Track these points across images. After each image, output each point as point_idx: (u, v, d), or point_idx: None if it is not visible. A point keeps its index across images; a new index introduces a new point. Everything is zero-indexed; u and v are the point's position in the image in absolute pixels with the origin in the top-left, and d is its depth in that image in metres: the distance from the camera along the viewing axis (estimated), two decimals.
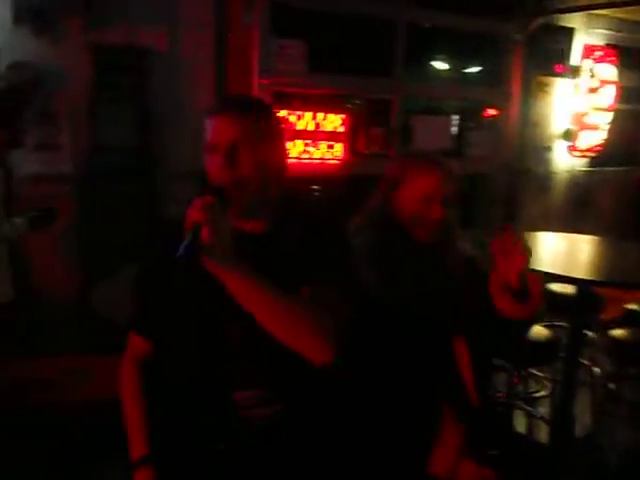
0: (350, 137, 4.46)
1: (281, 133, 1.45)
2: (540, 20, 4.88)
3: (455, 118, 5.18)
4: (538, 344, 2.82)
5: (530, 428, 3.09)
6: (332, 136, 4.38)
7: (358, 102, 4.62)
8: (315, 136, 4.31)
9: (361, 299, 1.42)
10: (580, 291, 3.17)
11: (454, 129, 5.13)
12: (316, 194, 4.75)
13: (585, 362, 3.42)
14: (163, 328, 1.43)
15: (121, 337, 1.57)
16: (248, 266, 1.24)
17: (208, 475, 1.40)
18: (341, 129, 4.39)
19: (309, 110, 4.28)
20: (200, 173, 3.98)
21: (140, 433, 1.43)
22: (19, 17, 3.41)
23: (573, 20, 5.21)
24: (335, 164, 4.43)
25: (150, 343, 1.49)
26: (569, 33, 5.20)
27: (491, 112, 5.33)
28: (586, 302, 3.20)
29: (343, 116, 4.40)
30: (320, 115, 4.31)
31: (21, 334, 2.94)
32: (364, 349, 1.56)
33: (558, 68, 5.16)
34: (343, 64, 4.35)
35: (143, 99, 3.82)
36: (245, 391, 1.35)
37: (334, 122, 4.37)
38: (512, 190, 5.17)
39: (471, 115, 5.40)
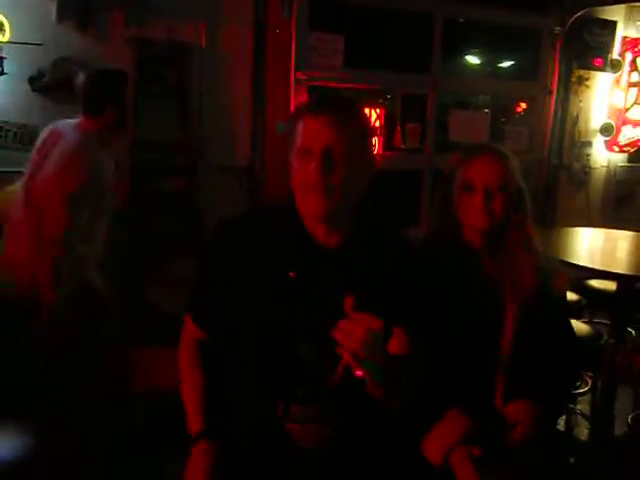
0: (386, 132, 4.45)
1: (372, 137, 1.40)
2: (580, 13, 4.81)
3: (491, 113, 5.14)
4: (579, 341, 2.78)
5: (569, 425, 3.05)
6: None
7: (394, 97, 4.61)
8: None
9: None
10: (621, 287, 3.12)
11: (490, 124, 5.09)
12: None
13: None
14: (226, 326, 1.41)
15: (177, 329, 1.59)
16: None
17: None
18: (377, 124, 4.39)
19: None
20: (239, 167, 3.97)
21: (197, 408, 1.42)
22: (63, 13, 3.47)
23: (613, 12, 5.11)
24: None
25: (206, 332, 1.48)
26: (609, 26, 5.10)
27: (528, 106, 5.27)
28: (627, 298, 3.15)
29: (379, 111, 4.39)
30: None
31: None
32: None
33: (597, 62, 5.07)
34: (380, 59, 4.35)
35: (183, 93, 3.87)
36: (303, 406, 1.34)
37: (370, 116, 4.37)
38: (549, 186, 5.11)
39: (507, 110, 5.36)
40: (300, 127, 1.29)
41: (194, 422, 1.42)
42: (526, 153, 5.03)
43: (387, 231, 1.48)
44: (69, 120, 2.71)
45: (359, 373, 1.16)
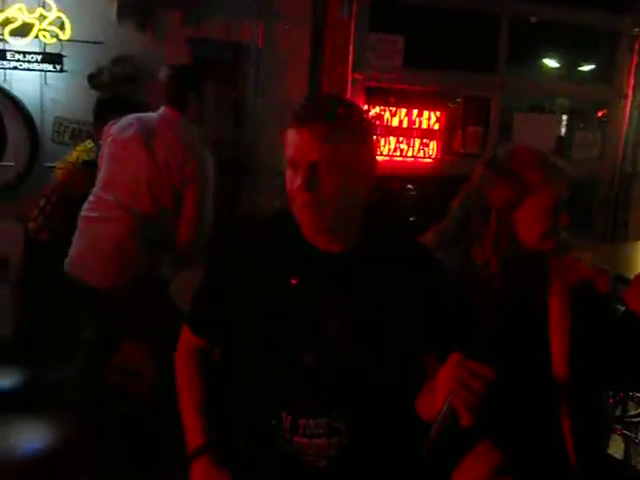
0: (445, 135, 4.32)
1: (371, 142, 1.29)
2: None
3: (561, 117, 4.91)
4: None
5: (628, 454, 2.85)
6: (426, 134, 4.25)
7: (456, 99, 4.46)
8: (409, 133, 4.20)
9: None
10: None
11: (559, 129, 4.86)
12: (411, 193, 4.65)
13: None
14: (228, 335, 1.37)
15: None
16: None
17: None
18: (436, 127, 4.26)
19: (403, 106, 4.18)
20: None
21: (196, 421, 1.35)
22: (123, 13, 3.54)
23: None
24: (428, 163, 4.30)
25: (206, 342, 1.44)
26: None
27: (601, 111, 5.00)
28: None
29: (439, 113, 4.26)
30: (415, 112, 4.20)
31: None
32: None
33: None
34: (441, 60, 4.20)
35: (238, 93, 3.87)
36: (311, 419, 1.28)
37: (429, 119, 4.25)
38: (621, 195, 4.82)
39: (579, 114, 5.10)
40: (290, 136, 1.21)
41: (193, 436, 1.34)
42: (597, 160, 4.78)
43: (401, 238, 1.39)
44: (145, 114, 2.67)
45: (466, 421, 1.08)
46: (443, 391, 1.11)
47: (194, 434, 1.34)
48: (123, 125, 2.55)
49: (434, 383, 1.19)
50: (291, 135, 1.21)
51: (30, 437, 1.91)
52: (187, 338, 1.46)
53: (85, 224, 2.50)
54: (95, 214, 2.48)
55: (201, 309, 1.43)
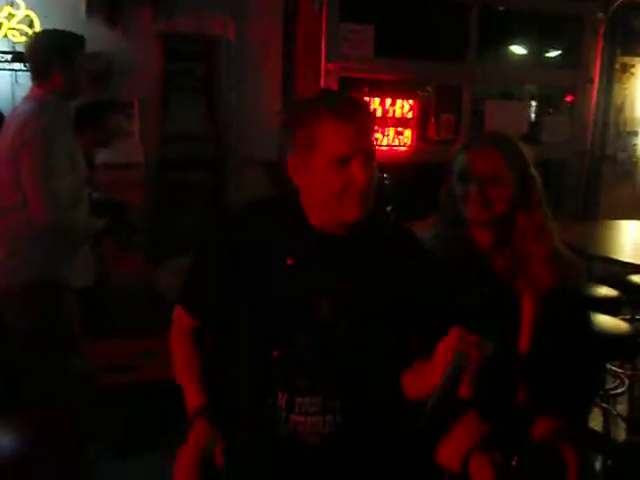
0: (419, 123, 4.36)
1: None
2: None
3: (531, 103, 4.99)
4: (617, 338, 2.65)
5: (607, 426, 2.93)
6: (400, 122, 4.29)
7: (428, 88, 4.51)
8: (383, 122, 4.23)
9: None
10: None
11: (530, 114, 4.95)
12: (385, 182, 4.68)
13: None
14: (223, 315, 1.38)
15: None
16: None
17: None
18: (410, 115, 4.30)
19: (377, 96, 4.21)
20: (268, 161, 3.88)
21: (194, 383, 1.37)
22: (92, 9, 3.51)
23: None
24: (403, 151, 4.34)
25: (199, 321, 1.44)
26: None
27: (570, 96, 5.10)
28: None
29: (412, 102, 4.30)
30: (388, 101, 4.23)
31: (95, 318, 2.99)
32: None
33: None
34: (412, 49, 4.25)
35: (212, 87, 3.87)
36: (307, 397, 1.30)
37: (403, 108, 4.29)
38: (591, 177, 4.92)
39: (548, 100, 5.20)
40: (328, 132, 1.21)
41: (192, 397, 1.36)
42: (566, 144, 4.87)
43: (393, 224, 1.47)
44: None
45: (465, 393, 1.11)
46: (441, 364, 1.12)
47: (193, 398, 1.36)
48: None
49: (425, 361, 1.22)
50: (335, 131, 1.21)
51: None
52: (180, 318, 1.45)
53: None
54: None
55: (195, 289, 1.43)
